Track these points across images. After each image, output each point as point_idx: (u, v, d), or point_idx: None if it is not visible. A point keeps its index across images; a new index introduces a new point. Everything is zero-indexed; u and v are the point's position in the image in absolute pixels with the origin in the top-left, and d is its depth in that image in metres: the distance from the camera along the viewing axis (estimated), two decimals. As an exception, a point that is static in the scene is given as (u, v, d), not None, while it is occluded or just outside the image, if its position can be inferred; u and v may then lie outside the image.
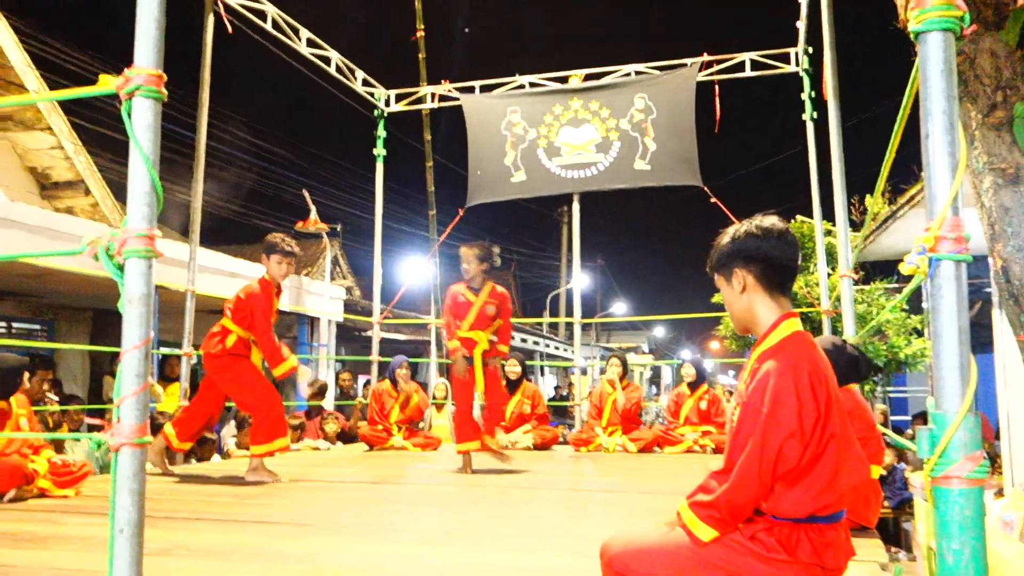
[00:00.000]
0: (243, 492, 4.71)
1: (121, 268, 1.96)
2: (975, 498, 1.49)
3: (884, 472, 7.57)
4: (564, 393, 21.30)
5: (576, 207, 9.47)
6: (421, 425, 8.55)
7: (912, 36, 1.58)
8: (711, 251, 2.42)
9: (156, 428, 6.99)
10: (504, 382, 8.30)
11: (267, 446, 5.15)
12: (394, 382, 8.03)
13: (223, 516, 3.81)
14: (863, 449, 3.58)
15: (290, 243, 5.31)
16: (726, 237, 2.35)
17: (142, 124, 1.97)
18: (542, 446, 7.95)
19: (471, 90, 9.59)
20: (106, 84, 2.03)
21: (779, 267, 2.30)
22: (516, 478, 5.58)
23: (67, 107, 10.61)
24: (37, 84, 9.80)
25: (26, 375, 4.82)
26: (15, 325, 9.12)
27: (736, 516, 2.17)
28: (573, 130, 9.13)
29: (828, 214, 7.70)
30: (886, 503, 7.42)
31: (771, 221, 2.32)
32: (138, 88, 1.96)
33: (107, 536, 1.88)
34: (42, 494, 4.43)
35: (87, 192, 10.75)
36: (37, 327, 9.45)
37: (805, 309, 8.94)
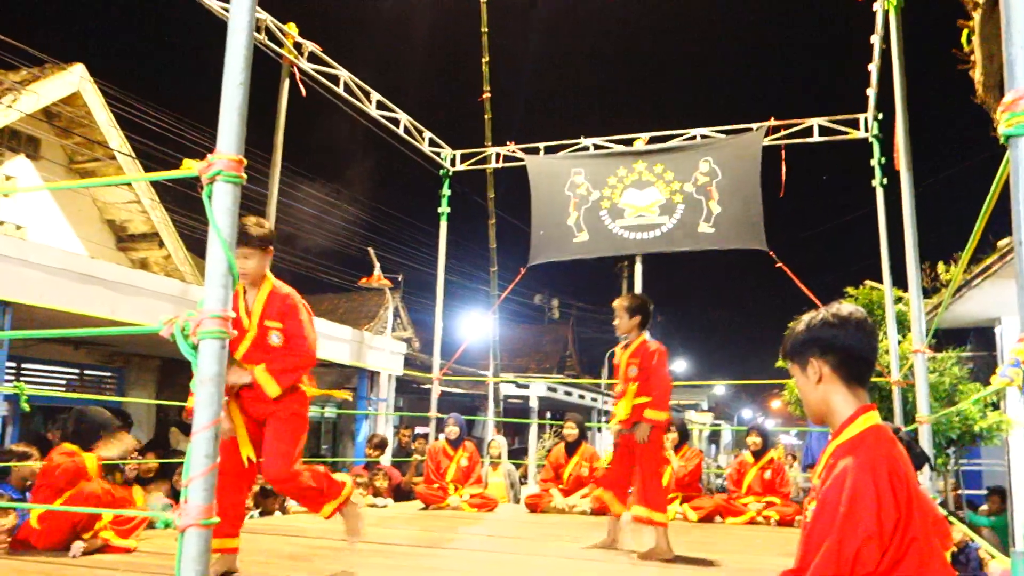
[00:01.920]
0: (302, 554, 4.70)
1: (195, 348, 1.99)
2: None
3: (955, 550, 7.22)
4: (622, 452, 20.99)
5: (639, 268, 9.42)
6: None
7: (1002, 139, 1.54)
8: (785, 337, 2.36)
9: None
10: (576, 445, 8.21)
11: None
12: (448, 441, 8.03)
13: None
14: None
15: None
16: (801, 325, 2.29)
17: (222, 208, 2.02)
18: (600, 511, 7.78)
19: (536, 151, 9.70)
20: (189, 168, 2.09)
21: (857, 358, 2.22)
22: (575, 548, 5.47)
23: (146, 164, 11.04)
24: (119, 143, 10.22)
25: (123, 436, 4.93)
26: (87, 373, 9.39)
27: (810, 620, 2.07)
28: (637, 192, 9.13)
29: (896, 280, 7.52)
30: (959, 584, 7.06)
31: (849, 309, 2.25)
32: (219, 173, 2.02)
33: None
34: (105, 545, 4.47)
35: (161, 244, 11.12)
36: (108, 375, 9.71)
37: (874, 379, 8.68)
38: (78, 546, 4.32)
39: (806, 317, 2.28)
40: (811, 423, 2.40)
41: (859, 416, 2.17)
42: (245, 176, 2.08)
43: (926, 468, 4.77)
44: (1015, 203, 1.51)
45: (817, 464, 2.25)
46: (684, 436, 8.06)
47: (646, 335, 5.29)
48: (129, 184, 10.52)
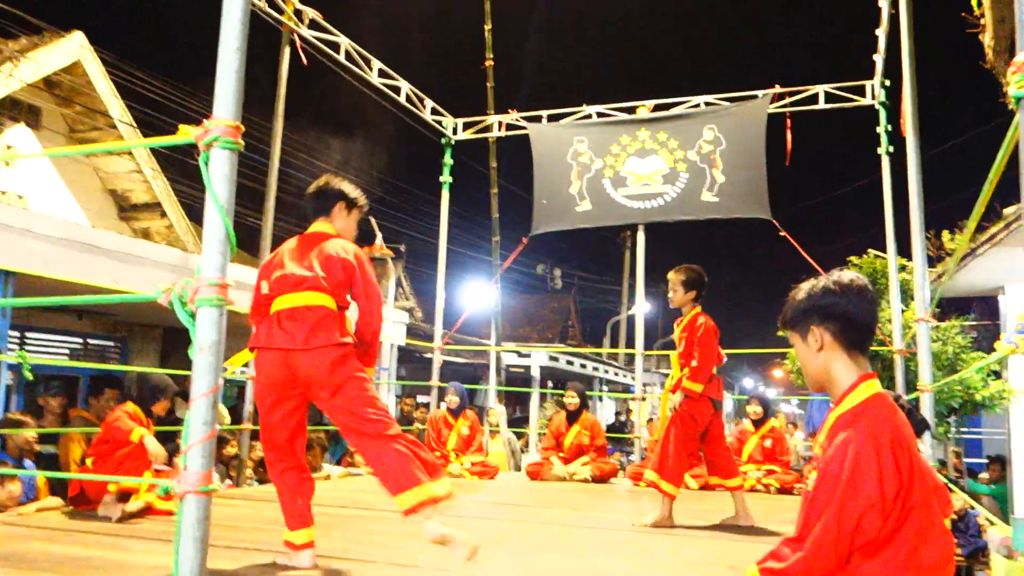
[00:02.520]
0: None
1: (193, 315, 1.98)
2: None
3: (955, 517, 7.27)
4: (623, 419, 21.07)
5: (641, 237, 9.39)
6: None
7: (1011, 101, 1.51)
8: (785, 305, 2.34)
9: (222, 444, 7.14)
10: (564, 413, 8.25)
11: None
12: (449, 410, 8.08)
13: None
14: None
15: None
16: (801, 293, 2.28)
17: (219, 174, 2.00)
18: (600, 479, 7.84)
19: (538, 119, 9.62)
20: (185, 134, 2.07)
21: (859, 325, 2.21)
22: (578, 516, 5.51)
23: (147, 133, 10.98)
24: (121, 112, 10.16)
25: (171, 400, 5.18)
26: (90, 342, 9.41)
27: (809, 587, 2.08)
28: (640, 161, 9.07)
29: (901, 249, 7.48)
30: (959, 551, 7.12)
31: (850, 276, 2.23)
32: (216, 139, 2.00)
33: (170, 566, 1.89)
34: (148, 508, 4.65)
35: (163, 214, 11.10)
36: (111, 344, 9.73)
37: (876, 348, 8.67)
38: (116, 510, 4.47)
39: (806, 285, 2.27)
40: (811, 391, 2.37)
41: (860, 384, 2.17)
42: (242, 142, 2.06)
43: (927, 435, 4.78)
44: (1023, 166, 1.49)
45: (819, 433, 2.24)
46: (767, 411, 8.06)
47: (699, 309, 5.23)
48: (130, 154, 10.46)
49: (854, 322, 2.20)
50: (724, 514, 5.28)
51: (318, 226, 3.63)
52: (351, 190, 3.72)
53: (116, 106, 10.20)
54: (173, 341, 9.97)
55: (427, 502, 3.14)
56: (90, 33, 9.96)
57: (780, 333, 9.23)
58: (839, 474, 2.01)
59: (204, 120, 2.04)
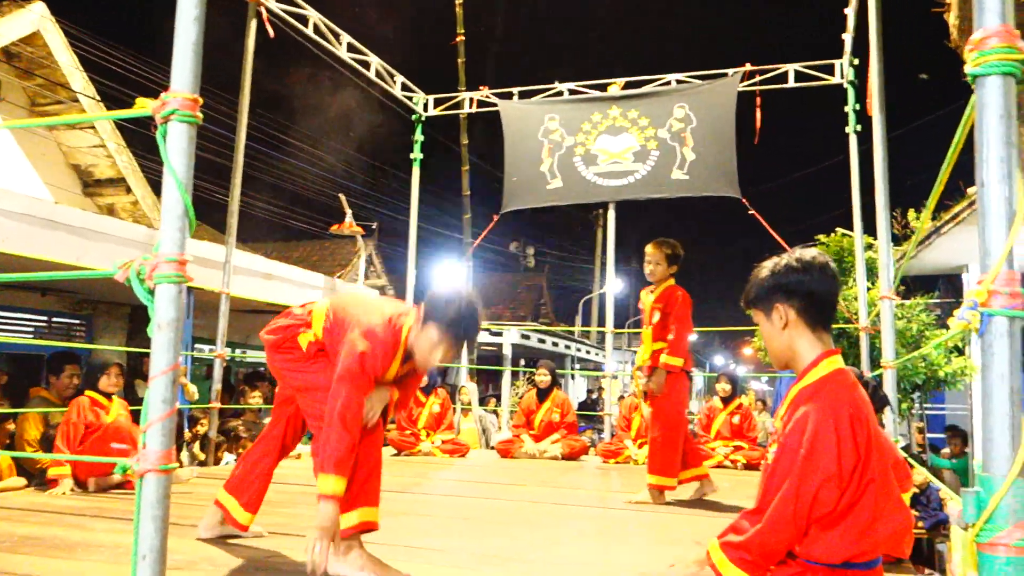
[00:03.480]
0: (273, 498, 4.71)
1: (152, 292, 1.95)
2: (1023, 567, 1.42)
3: (917, 491, 7.40)
4: (595, 396, 21.20)
5: (612, 215, 9.40)
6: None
7: (969, 79, 1.51)
8: (748, 284, 2.36)
9: (192, 423, 7.10)
10: (536, 390, 8.29)
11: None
12: (420, 387, 8.06)
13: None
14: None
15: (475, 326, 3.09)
16: (765, 271, 2.29)
17: (177, 148, 1.96)
18: (571, 456, 7.89)
19: (509, 96, 9.57)
20: (143, 107, 2.02)
21: (822, 302, 2.24)
22: (547, 492, 5.54)
23: (111, 106, 10.77)
24: (83, 84, 9.95)
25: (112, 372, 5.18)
26: (55, 320, 9.27)
27: (768, 559, 2.11)
28: (611, 138, 9.06)
29: (868, 228, 7.56)
30: (920, 524, 7.26)
31: (812, 254, 2.26)
32: (174, 112, 1.95)
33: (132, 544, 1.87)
34: (123, 483, 4.83)
35: (128, 190, 10.91)
36: (76, 322, 9.60)
37: (843, 325, 8.78)
38: (94, 481, 4.78)
39: (769, 263, 2.29)
40: (776, 368, 2.37)
41: (822, 360, 2.19)
42: (201, 116, 2.02)
43: (888, 411, 4.85)
44: (979, 144, 1.50)
45: (780, 407, 2.27)
46: (735, 388, 8.12)
47: (673, 281, 5.14)
48: (94, 128, 10.25)
49: (817, 299, 2.22)
50: (689, 489, 5.33)
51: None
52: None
53: (79, 79, 9.98)
54: (140, 319, 9.85)
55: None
56: (51, 3, 9.73)
57: (743, 306, 9.29)
58: (798, 447, 2.03)
59: (162, 93, 2.00)
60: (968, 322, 1.47)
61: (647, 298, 5.22)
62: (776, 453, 2.13)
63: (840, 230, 10.13)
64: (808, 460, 2.02)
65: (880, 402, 3.92)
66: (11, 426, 5.90)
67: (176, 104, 1.96)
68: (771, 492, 2.09)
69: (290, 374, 3.22)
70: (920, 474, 7.31)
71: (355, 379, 2.91)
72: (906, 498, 3.44)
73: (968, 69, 1.50)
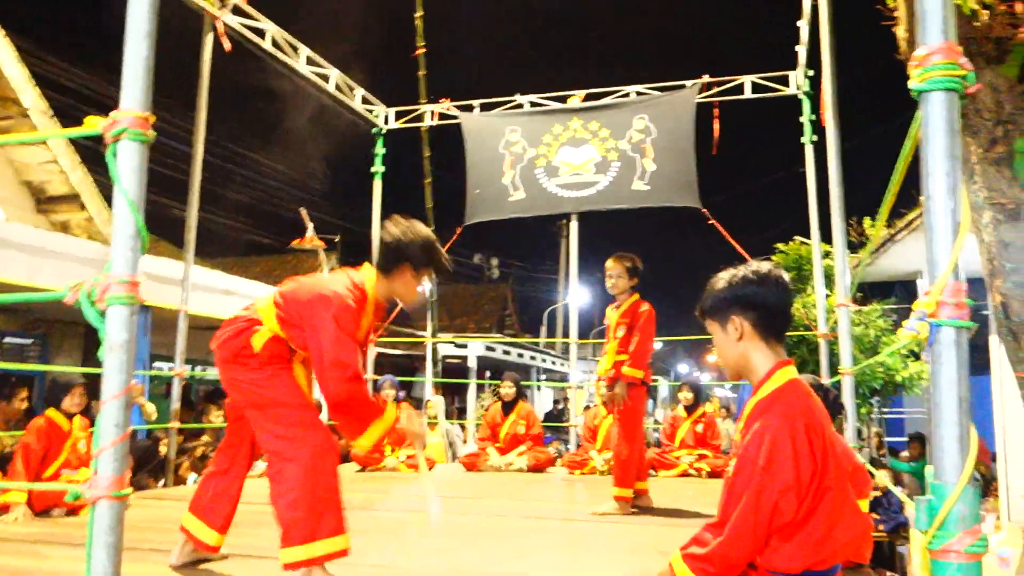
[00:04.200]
0: (236, 519, 4.64)
1: (103, 314, 1.91)
2: (974, 573, 1.44)
3: (878, 495, 7.51)
4: (561, 407, 21.24)
5: (574, 226, 9.44)
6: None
7: (914, 94, 1.55)
8: (703, 295, 2.38)
9: (156, 443, 6.97)
10: (501, 403, 8.27)
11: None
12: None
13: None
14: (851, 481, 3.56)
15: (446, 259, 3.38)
16: (721, 282, 2.31)
17: (128, 168, 1.92)
18: (536, 468, 7.88)
19: (470, 108, 9.58)
20: (92, 126, 1.99)
21: (776, 314, 2.26)
22: (512, 505, 5.52)
23: (64, 122, 10.58)
24: (33, 100, 9.77)
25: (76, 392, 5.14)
26: (7, 340, 9.07)
27: (730, 570, 2.13)
28: (572, 150, 9.11)
29: (826, 236, 7.67)
30: (880, 527, 7.37)
31: (767, 267, 2.29)
32: (124, 131, 1.92)
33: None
34: (73, 510, 4.77)
35: (83, 207, 10.70)
36: (29, 341, 9.39)
37: (802, 332, 8.90)
38: (58, 511, 4.77)
39: (725, 275, 2.31)
40: (729, 379, 2.38)
41: (777, 371, 2.22)
42: (153, 134, 1.99)
43: (846, 416, 4.93)
44: (924, 159, 1.53)
45: (738, 420, 2.29)
46: (698, 397, 8.12)
47: (638, 295, 5.25)
48: (45, 144, 10.06)
49: (772, 311, 2.25)
50: (654, 499, 5.36)
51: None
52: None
53: (29, 93, 9.80)
54: (96, 337, 9.66)
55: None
56: (1, 17, 9.55)
57: (698, 317, 9.32)
58: (756, 459, 2.06)
59: (111, 112, 1.96)
60: (917, 332, 1.50)
61: (612, 314, 5.32)
62: (735, 466, 2.15)
63: (798, 238, 10.28)
64: (766, 472, 2.04)
65: (836, 408, 3.98)
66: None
67: (127, 123, 1.93)
68: (731, 504, 2.11)
69: (246, 387, 3.03)
70: (880, 479, 7.42)
71: (339, 341, 2.84)
72: (865, 504, 3.48)
73: (912, 85, 1.53)
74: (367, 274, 3.15)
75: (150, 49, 2.00)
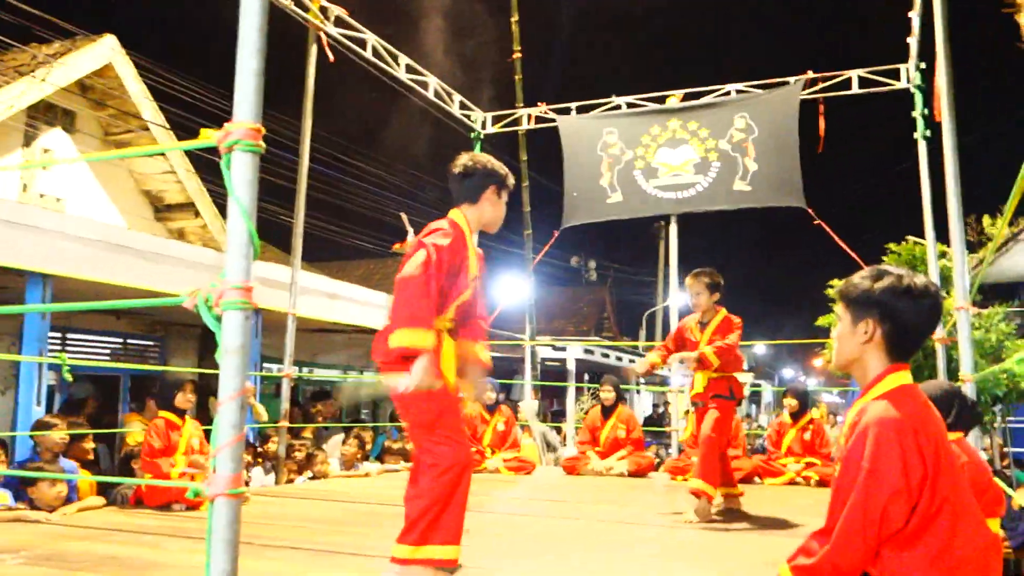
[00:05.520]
0: (342, 518, 4.77)
1: (219, 319, 1.98)
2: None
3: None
4: (661, 411, 20.93)
5: (674, 228, 9.31)
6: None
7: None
8: (852, 281, 2.22)
9: (264, 441, 7.23)
10: (600, 408, 8.21)
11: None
12: (484, 405, 8.06)
13: (320, 546, 3.85)
14: (980, 499, 3.35)
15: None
16: (877, 281, 2.15)
17: (241, 178, 1.99)
18: (637, 473, 7.79)
19: (567, 111, 9.57)
20: (207, 138, 2.07)
21: (913, 335, 2.15)
22: (614, 510, 5.48)
23: (179, 134, 11.11)
24: (153, 113, 10.29)
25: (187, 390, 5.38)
26: (130, 342, 9.56)
27: (841, 580, 2.04)
28: (671, 151, 8.98)
29: (941, 235, 7.31)
30: (1007, 545, 6.96)
31: (925, 283, 2.13)
32: (237, 142, 1.99)
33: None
34: (193, 506, 4.93)
35: (197, 214, 11.22)
36: (150, 343, 9.88)
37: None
38: (178, 506, 4.97)
39: (878, 272, 2.16)
40: (836, 367, 2.29)
41: (888, 375, 2.12)
42: (264, 145, 2.05)
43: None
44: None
45: (843, 423, 2.20)
46: (804, 404, 7.92)
47: (724, 309, 5.27)
48: (163, 155, 10.60)
49: (909, 331, 2.14)
50: (759, 508, 5.22)
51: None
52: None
53: (148, 108, 10.32)
54: (210, 339, 10.06)
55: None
56: (121, 36, 10.10)
57: (819, 322, 8.96)
58: (860, 461, 1.97)
59: (225, 124, 2.04)
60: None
61: (698, 330, 5.28)
62: (840, 468, 2.07)
63: (911, 238, 9.83)
64: (872, 475, 1.95)
65: (974, 418, 3.77)
66: (91, 443, 6.11)
67: (239, 134, 2.00)
68: (837, 509, 2.03)
69: (400, 400, 3.10)
70: (1019, 498, 7.02)
71: (425, 264, 2.98)
72: (995, 523, 3.29)
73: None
74: (452, 215, 3.33)
75: (260, 64, 2.07)
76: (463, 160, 3.36)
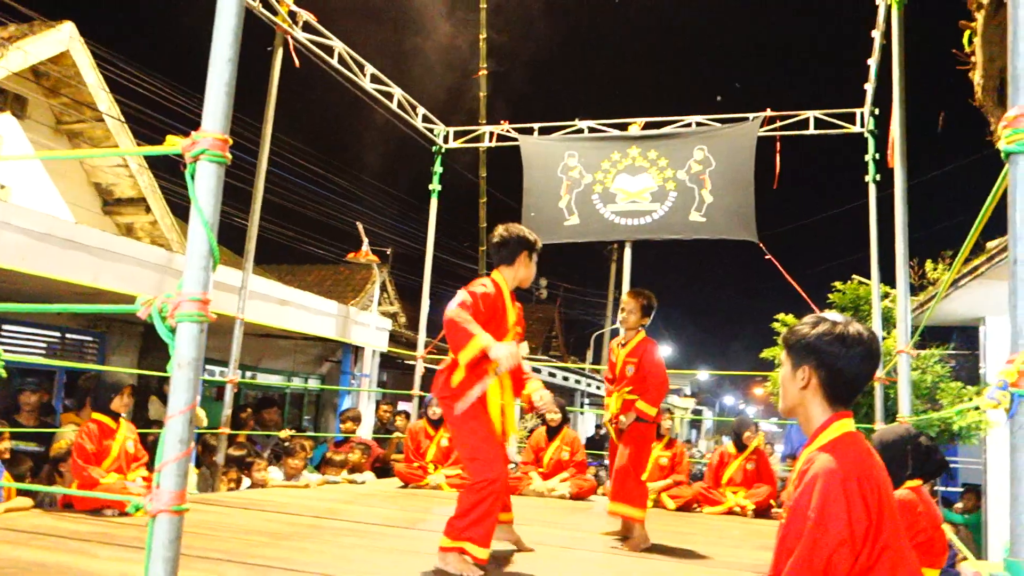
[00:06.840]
0: (279, 531, 4.68)
1: (173, 330, 1.95)
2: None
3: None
4: (603, 433, 21.03)
5: (628, 253, 9.40)
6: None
7: (1003, 155, 1.51)
8: (793, 329, 2.27)
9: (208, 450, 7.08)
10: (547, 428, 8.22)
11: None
12: (429, 420, 8.02)
13: (255, 559, 3.78)
14: (926, 549, 3.42)
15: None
16: (812, 328, 2.20)
17: (205, 188, 1.97)
18: (579, 496, 7.80)
19: (530, 131, 9.62)
20: (173, 144, 2.04)
21: (849, 383, 2.18)
22: (554, 534, 5.47)
23: (135, 127, 10.91)
24: (108, 105, 10.08)
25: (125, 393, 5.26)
26: (68, 336, 9.30)
27: (784, 626, 2.07)
28: (629, 178, 9.09)
29: (885, 276, 7.51)
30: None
31: (859, 330, 2.17)
32: (203, 152, 1.97)
33: (137, 574, 1.86)
34: (122, 512, 4.79)
35: (148, 210, 11.00)
36: (89, 339, 9.62)
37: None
38: (110, 511, 4.83)
39: (822, 321, 2.20)
40: (781, 412, 2.35)
41: (832, 424, 2.16)
42: (230, 156, 2.03)
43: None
44: (1012, 221, 1.49)
45: (792, 471, 2.24)
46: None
47: (644, 333, 5.20)
48: (116, 147, 10.38)
49: (845, 379, 2.17)
50: (704, 535, 5.26)
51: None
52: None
53: (104, 99, 10.12)
54: (153, 338, 9.86)
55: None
56: (80, 24, 9.89)
57: (764, 355, 9.07)
58: (807, 512, 2.00)
59: (192, 132, 2.01)
60: (997, 402, 1.45)
61: (619, 351, 5.23)
62: (787, 518, 2.10)
63: (857, 278, 10.07)
64: (818, 525, 1.99)
65: (938, 468, 3.77)
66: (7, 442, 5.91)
67: (206, 144, 1.98)
68: (783, 558, 2.06)
69: (452, 426, 4.03)
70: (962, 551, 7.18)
71: (461, 303, 3.75)
72: (934, 574, 3.34)
73: (1002, 146, 1.49)
74: (493, 275, 4.11)
75: (232, 74, 2.05)
76: (500, 231, 4.14)
